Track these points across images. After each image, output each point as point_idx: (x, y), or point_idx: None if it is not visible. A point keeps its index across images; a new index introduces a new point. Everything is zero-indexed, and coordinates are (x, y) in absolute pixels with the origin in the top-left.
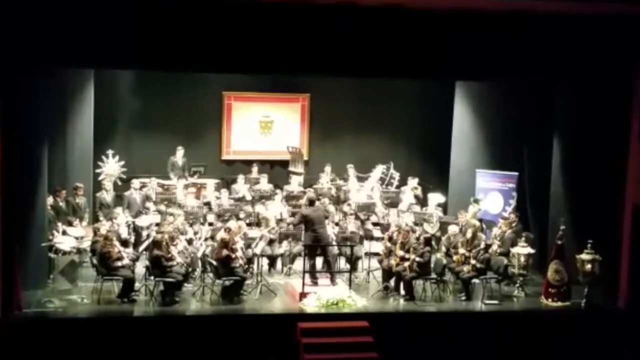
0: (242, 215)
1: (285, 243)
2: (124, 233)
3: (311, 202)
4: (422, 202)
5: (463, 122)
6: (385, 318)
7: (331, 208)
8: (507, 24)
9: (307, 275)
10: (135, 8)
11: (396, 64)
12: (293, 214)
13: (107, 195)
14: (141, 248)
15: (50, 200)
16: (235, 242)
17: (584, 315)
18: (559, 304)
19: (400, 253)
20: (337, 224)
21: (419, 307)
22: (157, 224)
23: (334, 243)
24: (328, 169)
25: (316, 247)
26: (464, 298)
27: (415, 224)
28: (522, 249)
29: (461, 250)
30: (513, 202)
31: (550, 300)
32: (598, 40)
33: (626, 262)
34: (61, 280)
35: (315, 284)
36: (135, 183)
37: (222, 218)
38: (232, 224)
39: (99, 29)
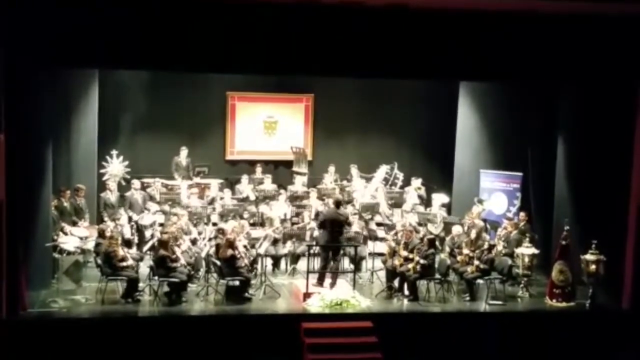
0: (246, 215)
1: (289, 243)
2: (127, 233)
3: (337, 204)
4: (426, 202)
5: (467, 122)
6: (389, 318)
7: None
8: (511, 24)
9: (312, 276)
10: (137, 8)
11: (400, 64)
12: (297, 214)
13: (112, 196)
14: (145, 248)
15: (54, 200)
16: (238, 242)
17: (588, 316)
18: (563, 304)
19: (404, 253)
20: None
21: (422, 307)
22: (161, 224)
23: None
24: (332, 169)
25: (329, 249)
26: (468, 298)
27: (419, 224)
28: (527, 250)
29: (465, 251)
30: (517, 203)
31: (554, 300)
32: (603, 41)
33: (630, 262)
34: (65, 280)
35: (320, 285)
36: (136, 183)
37: (226, 218)
38: (231, 224)
39: (101, 29)
